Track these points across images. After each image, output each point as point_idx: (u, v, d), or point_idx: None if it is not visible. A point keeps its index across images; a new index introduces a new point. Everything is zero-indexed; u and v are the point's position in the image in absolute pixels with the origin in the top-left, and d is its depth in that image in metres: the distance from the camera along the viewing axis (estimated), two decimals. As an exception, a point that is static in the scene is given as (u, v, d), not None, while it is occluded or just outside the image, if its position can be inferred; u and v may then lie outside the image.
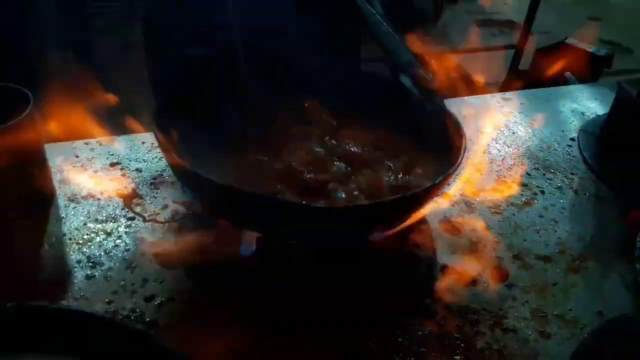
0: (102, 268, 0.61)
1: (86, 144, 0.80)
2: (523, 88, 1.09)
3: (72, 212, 0.69)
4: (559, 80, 2.10)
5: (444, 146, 0.61)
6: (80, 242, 0.64)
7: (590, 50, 2.54)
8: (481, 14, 4.08)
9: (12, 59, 1.59)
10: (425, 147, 0.66)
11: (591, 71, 2.48)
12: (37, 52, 1.64)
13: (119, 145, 0.80)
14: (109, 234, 0.65)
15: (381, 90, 0.71)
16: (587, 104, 1.00)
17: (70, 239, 0.65)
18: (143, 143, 0.80)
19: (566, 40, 2.56)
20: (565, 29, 3.41)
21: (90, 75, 1.88)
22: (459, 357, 0.55)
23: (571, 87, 1.12)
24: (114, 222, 0.67)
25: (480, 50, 3.15)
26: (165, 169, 0.76)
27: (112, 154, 0.78)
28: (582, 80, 2.01)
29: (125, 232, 0.66)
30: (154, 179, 0.74)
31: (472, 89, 0.96)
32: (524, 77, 2.67)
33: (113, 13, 3.35)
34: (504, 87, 2.54)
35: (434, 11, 3.99)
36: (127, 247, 0.64)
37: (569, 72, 2.20)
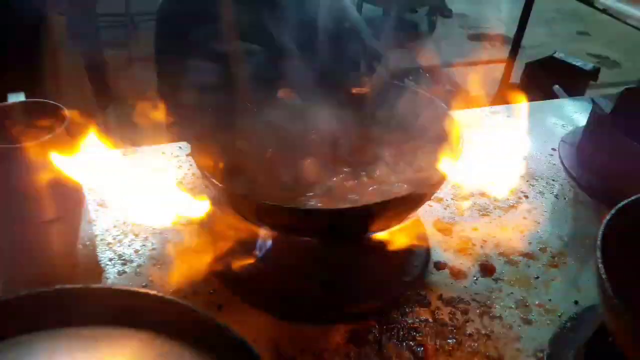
0: (132, 265, 0.68)
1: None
2: (513, 101, 1.17)
3: (102, 216, 0.76)
4: (548, 93, 2.19)
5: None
6: (111, 242, 0.72)
7: (578, 64, 2.64)
8: (473, 28, 4.20)
9: (26, 70, 1.67)
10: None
11: (579, 84, 2.58)
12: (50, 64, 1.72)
13: (142, 155, 0.87)
14: (136, 235, 0.73)
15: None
16: (568, 116, 1.08)
17: (101, 239, 0.72)
18: (163, 153, 0.88)
19: (555, 55, 2.67)
20: (554, 43, 3.53)
21: (101, 86, 1.95)
22: (451, 341, 0.63)
23: (554, 101, 1.21)
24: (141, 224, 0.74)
25: (472, 64, 3.26)
26: (184, 177, 0.83)
27: (135, 164, 0.85)
28: (570, 93, 2.10)
29: (152, 234, 0.73)
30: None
31: (464, 101, 1.04)
32: (514, 90, 2.76)
33: (118, 27, 3.45)
34: (495, 100, 2.63)
35: (428, 25, 4.10)
36: (154, 247, 0.71)
37: (557, 86, 2.29)
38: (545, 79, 2.50)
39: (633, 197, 0.56)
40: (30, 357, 0.36)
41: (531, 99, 1.20)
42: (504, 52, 3.18)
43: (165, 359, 0.39)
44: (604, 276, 0.47)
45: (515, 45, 2.89)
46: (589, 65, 2.63)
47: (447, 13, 4.33)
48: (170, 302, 0.41)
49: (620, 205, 0.56)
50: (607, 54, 3.80)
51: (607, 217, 0.54)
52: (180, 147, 0.89)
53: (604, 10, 1.83)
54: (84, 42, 1.93)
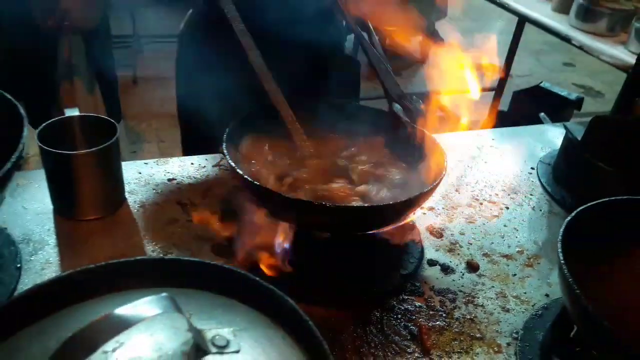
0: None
1: (146, 163, 0.99)
2: (499, 126, 1.31)
3: (142, 216, 0.88)
4: (535, 121, 2.33)
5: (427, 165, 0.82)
6: (152, 236, 0.83)
7: (563, 94, 2.81)
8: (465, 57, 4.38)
9: (42, 84, 1.79)
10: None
11: (564, 113, 2.74)
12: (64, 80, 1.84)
13: (173, 165, 0.99)
14: (172, 232, 0.84)
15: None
16: (546, 140, 1.22)
17: (143, 235, 0.84)
18: (192, 164, 1.00)
19: (541, 84, 2.83)
20: (541, 73, 3.71)
21: (113, 103, 2.07)
22: (441, 323, 0.75)
23: (534, 126, 1.35)
24: (175, 223, 0.86)
25: (463, 92, 3.42)
26: (212, 185, 0.95)
27: (169, 172, 0.97)
28: (555, 121, 2.24)
29: (186, 232, 0.85)
30: (204, 191, 0.93)
31: (454, 126, 1.17)
32: (502, 117, 2.92)
33: (124, 48, 3.59)
34: (483, 126, 2.78)
35: (421, 54, 4.29)
36: (189, 241, 0.83)
37: (543, 114, 2.44)
38: (532, 107, 2.66)
39: (590, 204, 0.69)
40: (121, 304, 0.47)
41: (518, 125, 1.34)
42: (493, 80, 3.35)
43: (224, 310, 0.50)
44: (562, 261, 0.60)
45: (504, 74, 3.06)
46: (573, 95, 2.78)
47: (438, 42, 4.52)
48: (227, 270, 0.53)
49: (579, 209, 0.69)
50: (591, 84, 4.00)
51: (568, 218, 0.67)
52: (206, 159, 1.01)
53: (580, 47, 1.99)
54: (99, 61, 2.06)
